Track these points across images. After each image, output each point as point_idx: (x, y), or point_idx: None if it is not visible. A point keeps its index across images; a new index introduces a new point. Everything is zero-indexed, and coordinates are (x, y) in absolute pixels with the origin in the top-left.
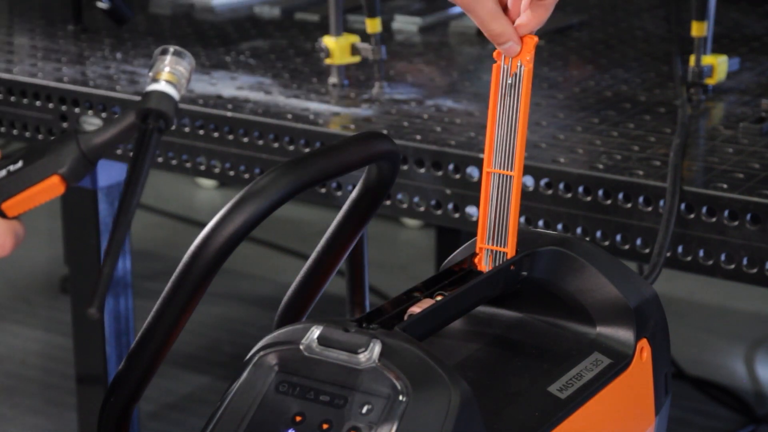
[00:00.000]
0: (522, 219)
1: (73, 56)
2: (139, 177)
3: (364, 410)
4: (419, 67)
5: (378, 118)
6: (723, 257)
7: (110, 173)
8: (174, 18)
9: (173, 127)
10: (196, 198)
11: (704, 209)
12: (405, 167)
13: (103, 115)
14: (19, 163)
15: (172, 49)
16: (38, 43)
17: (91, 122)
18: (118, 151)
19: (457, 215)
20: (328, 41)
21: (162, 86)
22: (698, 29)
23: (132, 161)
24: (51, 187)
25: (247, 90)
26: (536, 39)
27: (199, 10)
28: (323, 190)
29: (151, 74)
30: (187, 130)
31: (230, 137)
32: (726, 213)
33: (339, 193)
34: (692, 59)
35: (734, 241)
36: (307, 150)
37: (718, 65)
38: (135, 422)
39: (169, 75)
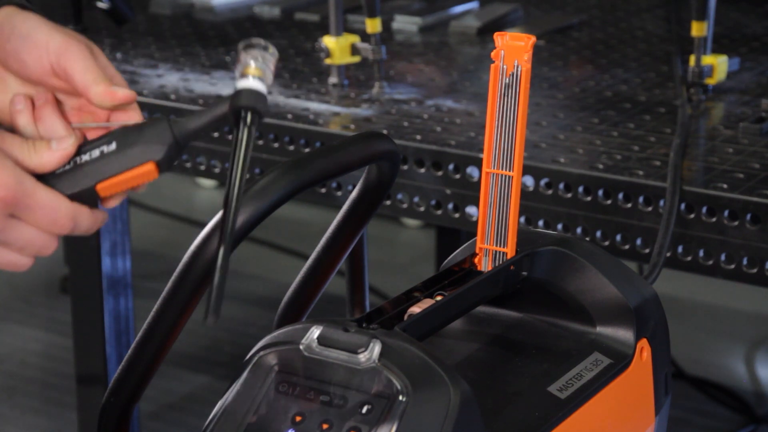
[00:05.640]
0: (522, 219)
1: None
2: (239, 173)
3: (364, 410)
4: (419, 67)
5: (378, 118)
6: (723, 257)
7: None
8: (174, 18)
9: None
10: (196, 198)
11: (704, 209)
12: (405, 167)
13: None
14: (113, 145)
15: (255, 42)
16: None
17: None
18: None
19: (457, 215)
20: (328, 41)
21: (250, 82)
22: (698, 29)
23: (231, 158)
24: (146, 174)
25: None
26: (533, 39)
27: (199, 10)
28: (323, 190)
29: (238, 70)
30: None
31: (230, 137)
32: (726, 213)
33: (339, 193)
34: (692, 59)
35: (734, 241)
36: (307, 150)
37: (718, 65)
38: (135, 422)
39: (256, 70)
